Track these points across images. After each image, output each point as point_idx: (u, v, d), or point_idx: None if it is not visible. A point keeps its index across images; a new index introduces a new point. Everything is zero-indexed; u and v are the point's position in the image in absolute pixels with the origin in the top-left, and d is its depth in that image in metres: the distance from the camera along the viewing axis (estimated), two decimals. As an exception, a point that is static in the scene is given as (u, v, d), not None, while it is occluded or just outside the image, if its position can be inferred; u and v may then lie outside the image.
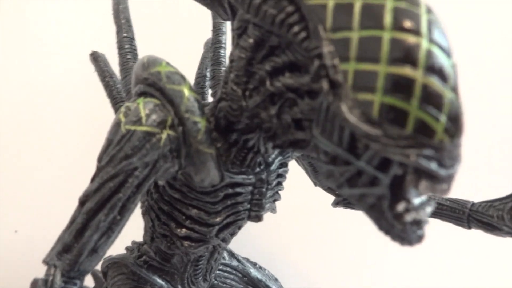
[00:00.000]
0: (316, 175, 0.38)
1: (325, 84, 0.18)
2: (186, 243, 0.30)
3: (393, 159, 0.17)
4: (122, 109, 0.25)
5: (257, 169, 0.29)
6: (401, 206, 0.18)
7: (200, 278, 0.35)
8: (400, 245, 0.19)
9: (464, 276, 0.51)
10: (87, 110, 0.55)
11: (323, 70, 0.19)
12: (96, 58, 0.39)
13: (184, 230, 0.30)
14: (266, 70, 0.22)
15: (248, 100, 0.24)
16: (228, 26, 0.41)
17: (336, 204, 0.40)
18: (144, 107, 0.25)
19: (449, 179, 0.17)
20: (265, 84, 0.23)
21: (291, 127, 0.23)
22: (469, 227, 0.32)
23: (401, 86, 0.16)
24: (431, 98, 0.16)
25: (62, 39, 0.60)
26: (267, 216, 0.31)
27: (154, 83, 0.25)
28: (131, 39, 0.35)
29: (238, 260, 0.41)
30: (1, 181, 0.51)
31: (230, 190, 0.28)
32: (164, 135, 0.25)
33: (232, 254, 0.41)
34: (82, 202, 0.25)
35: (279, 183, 0.32)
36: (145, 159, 0.24)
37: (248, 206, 0.30)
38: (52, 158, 0.53)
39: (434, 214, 0.34)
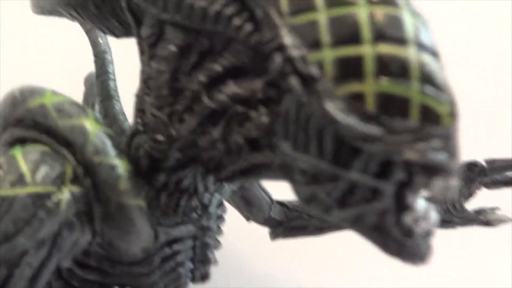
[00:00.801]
0: (250, 208, 0.33)
1: (294, 82, 0.14)
2: None
3: (395, 161, 0.14)
4: None
5: (195, 216, 0.23)
6: (408, 218, 0.15)
7: None
8: (413, 265, 0.16)
9: (465, 276, 0.51)
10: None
11: (288, 65, 0.14)
12: None
13: None
14: (200, 82, 0.17)
15: (178, 126, 0.18)
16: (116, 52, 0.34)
17: (274, 237, 0.36)
18: (25, 158, 0.17)
19: (457, 171, 0.15)
20: (200, 101, 0.17)
21: (244, 150, 0.18)
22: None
23: (396, 68, 0.13)
24: (430, 78, 0.14)
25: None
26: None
27: (37, 123, 0.17)
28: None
29: None
30: None
31: (167, 251, 0.21)
32: (64, 194, 0.17)
33: None
34: None
35: (219, 228, 0.26)
36: (38, 236, 0.16)
37: (191, 265, 0.23)
38: None
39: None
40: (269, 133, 0.17)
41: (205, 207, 0.23)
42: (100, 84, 0.32)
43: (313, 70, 0.14)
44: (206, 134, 0.18)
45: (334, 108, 0.14)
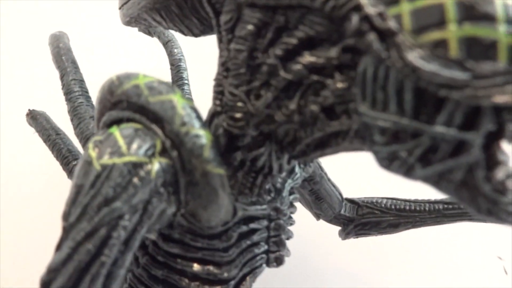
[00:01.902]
0: (319, 204, 0.33)
1: (373, 38, 0.15)
2: None
3: (484, 107, 0.14)
4: (90, 144, 0.19)
5: (268, 198, 0.23)
6: (500, 173, 0.14)
7: None
8: (507, 224, 0.15)
9: (465, 276, 0.48)
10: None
11: (365, 23, 0.15)
12: (35, 117, 0.32)
13: None
14: (277, 56, 0.18)
15: (255, 102, 0.19)
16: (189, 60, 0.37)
17: (346, 235, 0.35)
18: (121, 134, 0.19)
19: None
20: (277, 74, 0.18)
21: (320, 119, 0.18)
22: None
23: (479, 11, 0.13)
24: None
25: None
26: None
27: (131, 104, 0.19)
28: (81, 81, 0.30)
29: None
30: (51, 225, 0.42)
31: (244, 228, 0.22)
32: (154, 165, 0.18)
33: None
34: (46, 283, 0.17)
35: (291, 215, 0.26)
36: (133, 201, 0.18)
37: (266, 246, 0.24)
38: None
39: (465, 217, 0.31)
40: (345, 99, 0.17)
41: (278, 191, 0.24)
42: (188, 98, 0.35)
43: (391, 24, 0.14)
44: (282, 108, 0.19)
45: (415, 57, 0.14)
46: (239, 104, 0.20)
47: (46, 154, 0.33)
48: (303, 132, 0.19)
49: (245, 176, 0.21)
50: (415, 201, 0.33)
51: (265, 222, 0.23)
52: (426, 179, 0.15)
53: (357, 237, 0.35)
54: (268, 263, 0.24)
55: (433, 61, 0.14)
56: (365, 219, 0.34)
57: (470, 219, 0.31)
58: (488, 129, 0.14)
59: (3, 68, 0.54)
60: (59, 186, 0.44)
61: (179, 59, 0.37)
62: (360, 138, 0.17)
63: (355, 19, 0.15)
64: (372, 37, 0.15)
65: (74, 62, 0.30)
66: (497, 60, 0.13)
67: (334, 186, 0.33)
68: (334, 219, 0.34)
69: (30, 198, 0.45)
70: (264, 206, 0.23)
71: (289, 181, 0.24)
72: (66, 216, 0.18)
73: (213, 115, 0.21)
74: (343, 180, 0.36)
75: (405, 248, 0.48)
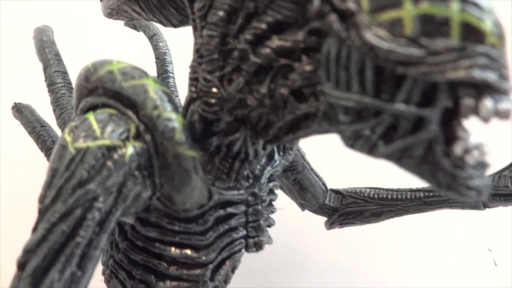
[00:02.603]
0: (304, 194, 0.34)
1: (333, 19, 0.15)
2: None
3: (440, 83, 0.14)
4: (66, 130, 0.20)
5: (246, 184, 0.23)
6: (458, 148, 0.15)
7: None
8: (471, 199, 0.15)
9: (454, 268, 0.49)
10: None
11: (326, 4, 0.15)
12: (20, 110, 0.32)
13: (168, 282, 0.23)
14: (247, 41, 0.18)
15: (228, 87, 0.20)
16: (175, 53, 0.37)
17: (331, 225, 0.35)
18: (96, 119, 0.19)
19: (508, 93, 0.14)
20: (248, 59, 0.19)
21: (290, 102, 0.18)
22: (485, 207, 0.29)
23: None
24: None
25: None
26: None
27: (106, 89, 0.20)
28: (64, 73, 0.30)
29: None
30: None
31: (221, 212, 0.22)
32: (128, 149, 0.19)
33: None
34: (22, 264, 0.18)
35: (271, 202, 0.26)
36: (107, 183, 0.18)
37: (244, 232, 0.24)
38: None
39: (445, 204, 0.31)
40: (312, 81, 0.18)
41: (256, 178, 0.24)
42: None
43: (350, 5, 0.15)
44: (254, 92, 0.19)
45: (372, 35, 0.14)
46: (213, 89, 0.20)
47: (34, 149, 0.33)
48: (275, 116, 0.20)
49: (221, 161, 0.22)
50: (397, 190, 0.33)
51: (242, 207, 0.23)
52: (389, 157, 0.16)
53: (341, 227, 0.35)
54: (247, 248, 0.25)
55: (390, 40, 0.14)
56: (349, 208, 0.34)
57: (450, 206, 0.31)
58: (444, 105, 0.14)
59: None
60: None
61: (164, 52, 0.37)
62: (327, 120, 0.18)
63: (316, 1, 0.15)
64: (332, 18, 0.15)
65: (57, 55, 0.30)
66: (450, 37, 0.13)
67: (317, 176, 0.33)
68: (318, 209, 0.35)
69: (30, 198, 0.45)
70: (242, 191, 0.23)
71: (268, 168, 0.25)
72: (42, 198, 0.18)
73: (189, 102, 0.21)
74: (328, 171, 0.36)
75: (395, 240, 0.49)
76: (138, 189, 0.19)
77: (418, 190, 0.32)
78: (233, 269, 0.27)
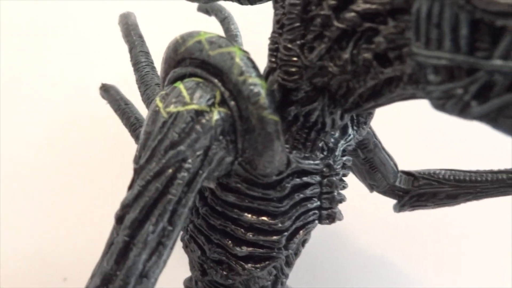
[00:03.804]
0: (373, 174, 0.33)
1: None
2: (248, 265, 0.24)
3: None
4: (157, 97, 0.21)
5: (321, 155, 0.24)
6: None
7: None
8: None
9: (464, 275, 0.46)
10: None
11: None
12: (107, 90, 0.35)
13: (244, 247, 0.24)
14: (330, 6, 0.19)
15: (308, 55, 0.20)
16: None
17: (401, 207, 0.34)
18: (185, 87, 0.21)
19: None
20: (331, 25, 0.19)
21: (374, 67, 0.18)
22: None
23: None
24: None
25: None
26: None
27: (193, 59, 0.21)
28: (147, 53, 0.32)
29: None
30: (51, 226, 0.47)
31: (297, 180, 0.23)
32: (214, 114, 0.20)
33: None
34: (120, 217, 0.20)
35: (343, 178, 0.26)
36: (195, 146, 0.19)
37: (318, 202, 0.24)
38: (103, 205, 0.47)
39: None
40: (398, 44, 0.17)
41: (331, 150, 0.24)
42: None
43: None
44: (336, 58, 0.19)
45: None
46: (294, 58, 0.20)
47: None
48: (356, 82, 0.20)
49: (298, 131, 0.22)
50: (476, 172, 0.31)
51: (317, 178, 0.24)
52: (483, 117, 0.15)
53: (412, 209, 0.34)
54: (320, 220, 0.25)
55: None
56: (421, 190, 0.33)
57: None
58: None
59: (78, 45, 0.57)
60: (59, 187, 0.48)
61: (235, 34, 0.38)
62: (413, 83, 0.17)
63: None
64: None
65: (141, 37, 0.33)
66: None
67: (388, 155, 0.33)
68: (388, 191, 0.34)
69: (30, 198, 0.48)
70: (317, 162, 0.23)
71: (342, 141, 0.25)
72: (137, 159, 0.20)
73: (268, 72, 0.22)
74: (399, 154, 0.35)
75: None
76: (222, 154, 0.20)
77: (500, 171, 0.30)
78: (303, 242, 0.27)
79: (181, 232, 0.27)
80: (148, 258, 0.19)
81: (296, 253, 0.27)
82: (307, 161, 0.23)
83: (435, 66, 0.16)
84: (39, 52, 0.57)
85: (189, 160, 0.19)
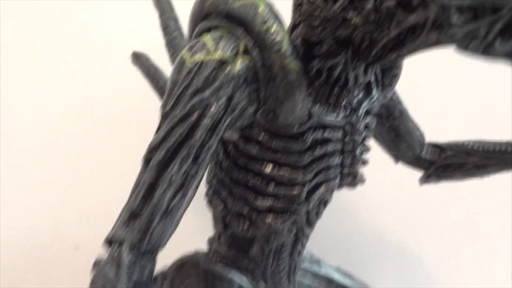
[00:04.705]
0: (399, 143, 0.33)
1: None
2: (269, 217, 0.25)
3: None
4: (184, 49, 0.22)
5: (344, 113, 0.24)
6: None
7: (285, 277, 0.29)
8: None
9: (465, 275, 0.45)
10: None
11: None
12: (138, 57, 0.37)
13: (265, 200, 0.24)
14: None
15: (331, 7, 0.20)
16: None
17: (426, 178, 0.34)
18: (210, 38, 0.21)
19: None
20: None
21: (397, 15, 0.18)
22: None
23: None
24: None
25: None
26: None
27: (219, 12, 0.22)
28: (175, 18, 0.33)
29: (319, 264, 0.34)
30: (63, 195, 0.48)
31: (319, 134, 0.23)
32: (238, 63, 0.21)
33: (311, 258, 0.34)
34: (148, 159, 0.21)
35: (365, 140, 0.26)
36: (219, 93, 0.20)
37: (340, 160, 0.25)
38: (114, 178, 0.49)
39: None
40: None
41: (353, 110, 0.24)
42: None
43: None
44: (358, 9, 0.20)
45: None
46: (317, 11, 0.21)
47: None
48: (379, 33, 0.20)
49: (321, 86, 0.23)
50: (507, 142, 0.30)
51: (339, 135, 0.24)
52: (506, 55, 0.15)
53: (438, 181, 0.34)
54: (342, 178, 0.25)
55: None
56: (448, 161, 0.32)
57: None
58: None
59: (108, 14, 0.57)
60: (70, 155, 0.47)
61: None
62: (436, 28, 0.17)
63: None
64: None
65: (170, 4, 0.34)
66: None
67: (415, 125, 0.32)
68: (414, 161, 0.34)
69: (41, 166, 0.48)
70: (339, 118, 0.23)
71: (366, 103, 0.25)
72: (163, 105, 0.21)
73: (292, 28, 0.22)
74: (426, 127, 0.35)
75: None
76: (245, 103, 0.21)
77: None
78: (325, 203, 0.28)
79: (206, 188, 0.28)
80: (172, 197, 0.20)
81: (317, 213, 0.28)
82: (329, 116, 0.23)
83: (459, 6, 0.16)
84: (59, 21, 0.55)
85: (213, 107, 0.20)
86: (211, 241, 0.30)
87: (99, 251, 0.21)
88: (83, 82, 0.51)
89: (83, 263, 0.45)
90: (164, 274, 0.29)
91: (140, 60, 0.36)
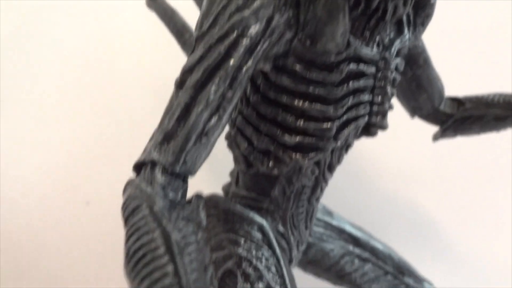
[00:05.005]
0: (418, 95, 0.32)
1: None
2: (296, 155, 0.24)
3: None
4: None
5: (377, 49, 0.23)
6: None
7: (302, 221, 0.29)
8: None
9: (464, 275, 0.46)
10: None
11: None
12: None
13: (294, 135, 0.24)
14: None
15: None
16: None
17: (443, 132, 0.34)
18: None
19: None
20: None
21: None
22: None
23: None
24: None
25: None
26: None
27: None
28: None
29: (331, 215, 0.34)
30: (73, 152, 0.47)
31: (353, 67, 0.23)
32: None
33: (324, 209, 0.34)
34: (181, 82, 0.20)
35: (394, 82, 0.26)
36: (259, 14, 0.19)
37: (370, 97, 0.24)
38: (126, 135, 0.48)
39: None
40: None
41: (386, 47, 0.24)
42: None
43: None
44: None
45: None
46: None
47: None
48: None
49: (359, 17, 0.22)
50: None
51: (373, 69, 0.23)
52: None
53: (455, 135, 0.33)
54: (370, 115, 0.25)
55: None
56: (467, 113, 0.32)
57: None
58: None
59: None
60: (59, 188, 0.47)
61: None
62: None
63: None
64: None
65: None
66: None
67: (437, 75, 0.32)
68: (432, 115, 0.33)
69: (30, 198, 0.47)
70: (374, 52, 0.23)
71: (397, 42, 0.24)
72: (199, 26, 0.20)
73: None
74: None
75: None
76: (283, 28, 0.20)
77: None
78: (347, 148, 0.27)
79: (226, 129, 0.27)
80: (208, 118, 0.19)
81: (339, 158, 0.27)
82: (364, 49, 0.22)
83: None
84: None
85: (252, 27, 0.19)
86: (226, 188, 0.29)
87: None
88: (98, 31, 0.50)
89: (94, 218, 0.45)
90: None
91: (156, 2, 0.35)
